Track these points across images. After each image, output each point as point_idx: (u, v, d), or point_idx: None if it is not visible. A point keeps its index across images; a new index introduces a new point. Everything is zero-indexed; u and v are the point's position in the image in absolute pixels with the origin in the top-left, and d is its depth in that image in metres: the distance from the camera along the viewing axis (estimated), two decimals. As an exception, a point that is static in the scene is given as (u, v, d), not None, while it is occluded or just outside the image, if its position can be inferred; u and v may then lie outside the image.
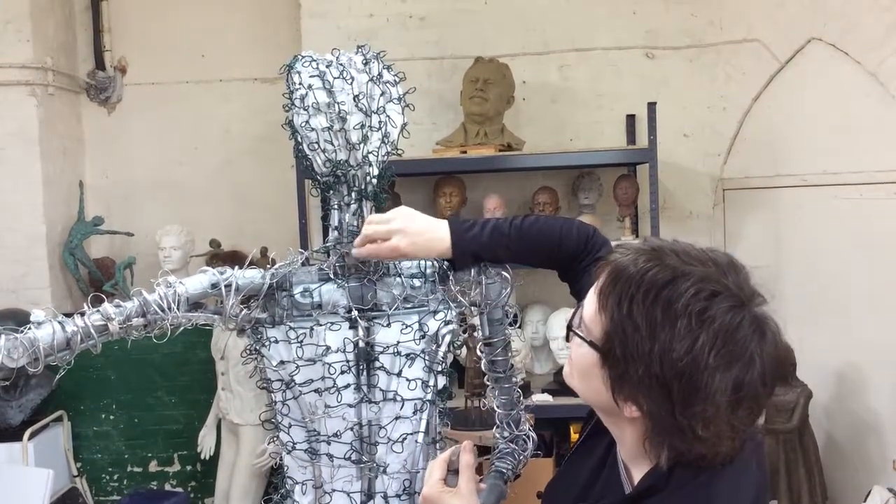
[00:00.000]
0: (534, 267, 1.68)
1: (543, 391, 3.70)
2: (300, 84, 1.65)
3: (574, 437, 3.63)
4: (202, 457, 4.02)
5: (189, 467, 4.25)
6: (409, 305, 1.69)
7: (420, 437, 1.73)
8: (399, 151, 1.75)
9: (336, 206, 1.72)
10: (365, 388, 1.66)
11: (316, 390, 1.66)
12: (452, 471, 1.48)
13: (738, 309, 1.07)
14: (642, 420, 1.12)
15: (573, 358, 1.21)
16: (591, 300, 1.16)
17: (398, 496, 1.68)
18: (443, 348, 1.71)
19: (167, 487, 4.25)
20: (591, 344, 1.14)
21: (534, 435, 1.85)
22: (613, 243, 1.57)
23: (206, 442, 4.01)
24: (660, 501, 1.13)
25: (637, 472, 1.21)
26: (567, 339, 1.21)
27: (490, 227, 1.62)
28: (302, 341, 1.65)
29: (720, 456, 1.10)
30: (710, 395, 1.05)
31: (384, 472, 1.69)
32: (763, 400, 1.10)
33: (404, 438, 1.72)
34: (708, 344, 1.05)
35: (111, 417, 4.22)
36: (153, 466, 4.27)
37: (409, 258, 1.65)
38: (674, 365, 1.05)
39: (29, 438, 3.74)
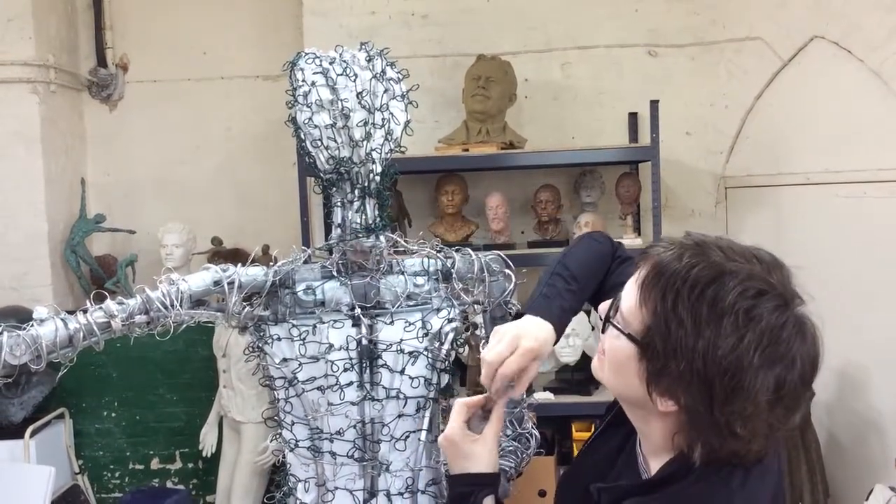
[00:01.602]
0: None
1: (545, 389, 3.70)
2: (303, 81, 1.64)
3: (576, 434, 3.63)
4: (204, 454, 4.02)
5: (191, 465, 4.25)
6: (412, 303, 1.69)
7: (423, 434, 1.73)
8: (402, 149, 1.74)
9: (339, 204, 1.71)
10: (368, 386, 1.66)
11: (319, 388, 1.65)
12: (477, 417, 1.43)
13: (782, 308, 1.08)
14: (677, 415, 1.13)
15: (607, 350, 1.20)
16: (630, 293, 1.16)
17: (401, 494, 1.68)
18: (446, 346, 1.70)
19: (169, 485, 4.25)
20: (629, 337, 1.14)
21: (536, 433, 1.85)
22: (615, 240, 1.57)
23: (207, 439, 4.01)
24: (679, 490, 1.14)
25: (656, 465, 1.21)
26: (603, 330, 1.21)
27: (557, 293, 1.52)
28: (305, 339, 1.65)
29: (752, 453, 1.11)
30: (752, 393, 1.05)
31: (387, 469, 1.69)
32: (802, 399, 1.11)
33: (407, 436, 1.72)
34: (754, 343, 1.05)
35: (113, 415, 4.22)
36: (155, 464, 4.27)
37: (542, 357, 1.46)
38: (718, 362, 1.05)
39: (30, 436, 3.74)
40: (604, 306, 1.23)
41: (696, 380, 1.07)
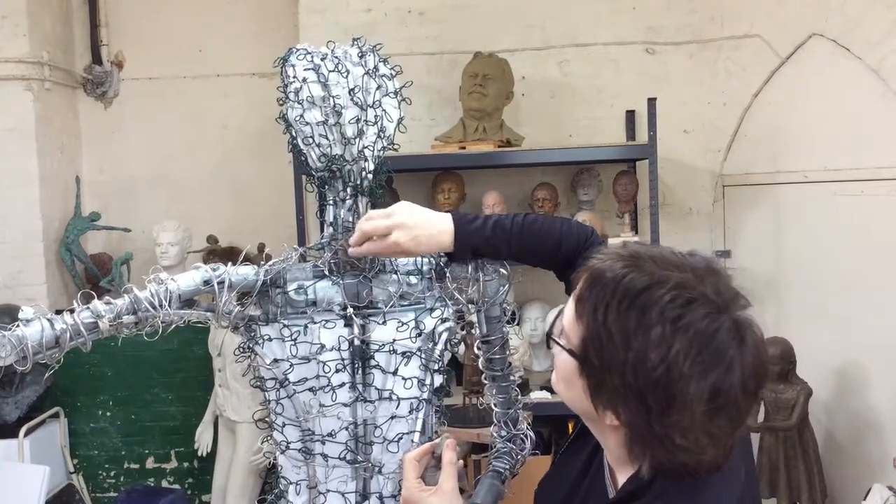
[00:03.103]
0: (532, 266, 1.62)
1: (542, 388, 3.68)
2: (294, 77, 1.62)
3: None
4: (199, 453, 4.01)
5: (186, 464, 4.23)
6: (405, 303, 1.66)
7: (416, 436, 1.71)
8: (395, 146, 1.72)
9: (331, 202, 1.69)
10: (360, 387, 1.64)
11: (310, 389, 1.63)
12: (433, 467, 1.44)
13: (715, 315, 1.04)
14: (621, 429, 1.10)
15: (556, 365, 1.18)
16: (569, 307, 1.14)
17: (394, 497, 1.66)
18: (439, 346, 1.68)
19: (164, 484, 4.23)
20: (569, 352, 1.12)
21: (532, 434, 1.83)
22: (616, 240, 1.55)
23: (203, 439, 4.00)
24: None
25: (622, 476, 1.19)
26: (548, 346, 1.20)
27: (492, 222, 1.55)
28: (296, 339, 1.63)
29: (704, 464, 1.07)
30: (687, 403, 1.02)
31: (379, 472, 1.67)
32: (744, 407, 1.06)
33: (400, 438, 1.70)
34: (683, 352, 1.02)
35: (108, 414, 4.20)
36: (150, 463, 4.25)
37: (410, 255, 1.57)
38: (648, 374, 1.02)
39: (25, 435, 3.72)
40: (550, 321, 1.23)
41: (630, 393, 1.04)
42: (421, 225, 1.51)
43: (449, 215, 1.55)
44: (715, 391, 1.02)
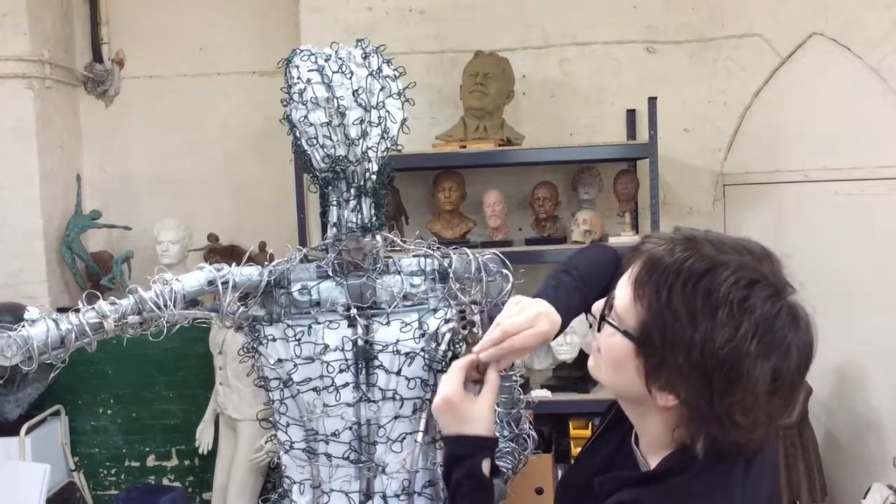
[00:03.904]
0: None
1: (542, 387, 3.69)
2: (298, 78, 1.62)
3: (574, 432, 3.62)
4: (200, 452, 4.01)
5: (187, 462, 4.23)
6: (408, 303, 1.67)
7: (419, 436, 1.72)
8: (399, 147, 1.72)
9: (335, 203, 1.69)
10: (364, 387, 1.64)
11: (314, 389, 1.64)
12: (473, 381, 1.39)
13: (775, 298, 1.09)
14: (677, 409, 1.13)
15: (603, 348, 1.20)
16: (624, 290, 1.16)
17: (397, 496, 1.67)
18: (442, 346, 1.69)
19: (165, 482, 4.24)
20: (625, 334, 1.14)
21: (534, 434, 1.84)
22: (617, 239, 1.56)
23: (203, 437, 4.00)
24: (679, 483, 1.13)
25: (654, 462, 1.21)
26: (599, 328, 1.21)
27: (565, 288, 1.50)
28: (300, 339, 1.63)
29: (754, 443, 1.12)
30: (751, 383, 1.06)
31: (383, 471, 1.68)
32: (798, 387, 1.11)
33: (403, 438, 1.70)
34: (750, 332, 1.06)
35: (109, 412, 4.21)
36: (151, 461, 4.25)
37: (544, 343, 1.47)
38: (715, 354, 1.06)
39: (26, 433, 3.73)
40: (598, 305, 1.24)
41: (694, 372, 1.07)
42: (547, 311, 1.43)
43: (541, 300, 1.47)
44: (776, 372, 1.07)
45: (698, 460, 1.13)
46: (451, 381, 1.38)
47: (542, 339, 1.41)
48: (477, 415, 1.37)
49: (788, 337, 1.08)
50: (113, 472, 4.25)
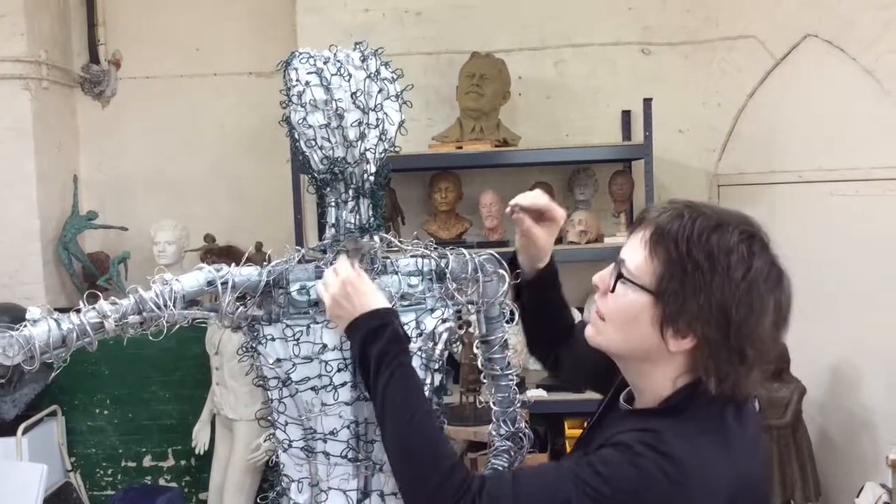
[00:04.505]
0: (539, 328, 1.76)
1: (538, 386, 3.71)
2: (297, 81, 1.63)
3: (569, 432, 3.65)
4: (196, 452, 4.02)
5: (183, 462, 4.24)
6: (405, 303, 1.68)
7: (416, 434, 1.73)
8: (397, 148, 1.74)
9: (333, 204, 1.70)
10: (361, 386, 1.65)
11: (312, 388, 1.65)
12: None
13: (768, 247, 1.29)
14: (687, 353, 1.28)
15: (614, 310, 1.33)
16: (637, 252, 1.31)
17: (394, 494, 1.67)
18: (440, 346, 1.70)
19: (161, 482, 4.25)
20: (643, 288, 1.29)
21: (530, 433, 1.85)
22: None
23: (200, 437, 4.01)
24: (677, 423, 1.27)
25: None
26: (612, 289, 1.33)
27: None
28: (299, 339, 1.64)
29: (748, 386, 1.28)
30: (762, 315, 1.25)
31: (380, 469, 1.68)
32: (788, 318, 1.29)
33: (401, 436, 1.71)
34: (760, 270, 1.25)
35: (105, 412, 4.21)
36: (147, 461, 4.26)
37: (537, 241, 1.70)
38: (734, 292, 1.23)
39: (23, 433, 3.74)
40: (602, 274, 1.37)
41: (715, 310, 1.23)
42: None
43: None
44: (778, 304, 1.27)
45: (699, 398, 1.28)
46: (342, 266, 1.57)
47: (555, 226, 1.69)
48: (374, 288, 1.56)
49: (783, 276, 1.28)
50: (109, 472, 4.26)
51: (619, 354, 1.37)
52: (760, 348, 1.26)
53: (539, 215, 1.68)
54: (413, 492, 1.41)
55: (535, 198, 1.70)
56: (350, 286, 1.53)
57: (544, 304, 1.74)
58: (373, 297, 1.54)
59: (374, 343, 1.48)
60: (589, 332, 1.40)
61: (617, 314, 1.33)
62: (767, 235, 1.32)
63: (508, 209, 1.69)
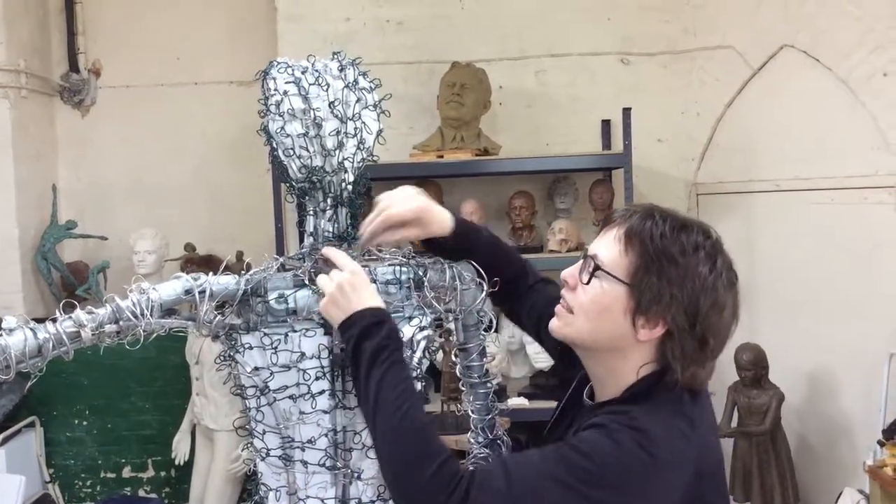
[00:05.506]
0: (492, 270, 1.74)
1: (520, 395, 3.72)
2: (275, 90, 1.64)
3: (550, 440, 3.64)
4: (177, 462, 3.99)
5: (163, 473, 4.21)
6: (384, 312, 1.68)
7: (395, 442, 1.73)
8: (374, 158, 1.75)
9: (311, 212, 1.71)
10: (340, 394, 1.65)
11: (290, 396, 1.65)
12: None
13: (724, 250, 1.41)
14: (654, 342, 1.38)
15: (584, 302, 1.41)
16: (611, 248, 1.40)
17: (373, 502, 1.68)
18: (417, 354, 1.70)
19: (141, 493, 4.22)
20: (619, 280, 1.38)
21: (508, 439, 1.86)
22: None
23: (180, 447, 3.98)
24: (644, 407, 1.35)
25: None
26: (587, 281, 1.41)
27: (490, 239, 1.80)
28: (276, 347, 1.64)
29: (706, 373, 1.41)
30: (723, 307, 1.37)
31: (358, 478, 1.69)
32: (738, 316, 1.42)
33: (379, 444, 1.71)
34: (722, 266, 1.38)
35: (84, 423, 4.18)
36: (127, 472, 4.23)
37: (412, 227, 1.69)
38: (703, 282, 1.35)
39: (0, 444, 3.70)
40: (572, 270, 1.45)
41: (685, 300, 1.35)
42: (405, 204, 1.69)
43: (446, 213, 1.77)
44: (734, 300, 1.40)
45: (662, 386, 1.38)
46: (346, 259, 1.59)
47: (388, 221, 1.64)
48: (374, 289, 1.60)
49: (736, 278, 1.41)
50: (88, 483, 4.22)
51: (585, 345, 1.46)
52: (719, 339, 1.39)
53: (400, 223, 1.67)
54: (405, 485, 1.40)
55: (375, 224, 1.66)
56: (358, 277, 1.57)
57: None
58: (373, 296, 1.57)
59: (372, 338, 1.50)
60: (554, 324, 1.48)
61: (590, 305, 1.41)
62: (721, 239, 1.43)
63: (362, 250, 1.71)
